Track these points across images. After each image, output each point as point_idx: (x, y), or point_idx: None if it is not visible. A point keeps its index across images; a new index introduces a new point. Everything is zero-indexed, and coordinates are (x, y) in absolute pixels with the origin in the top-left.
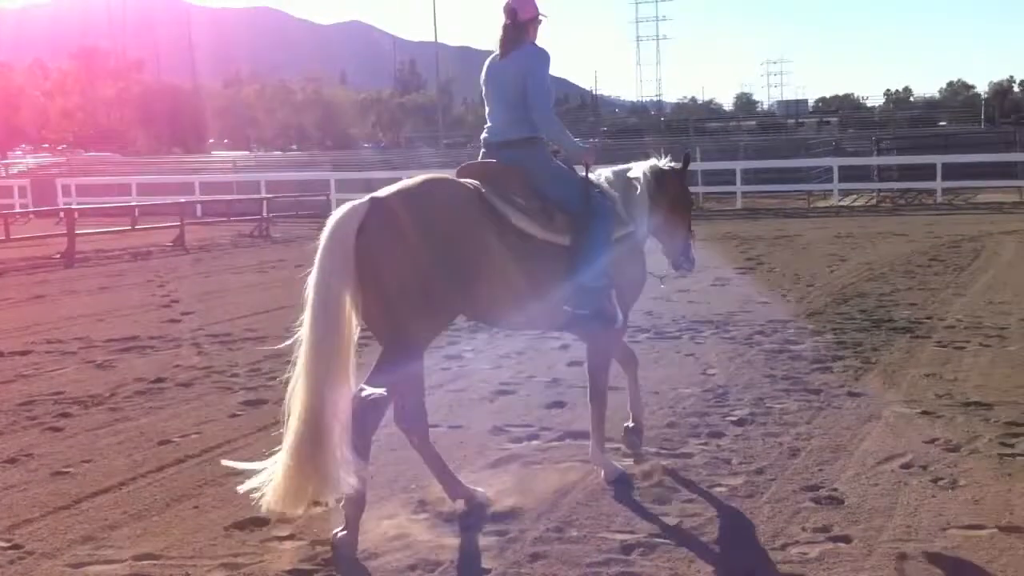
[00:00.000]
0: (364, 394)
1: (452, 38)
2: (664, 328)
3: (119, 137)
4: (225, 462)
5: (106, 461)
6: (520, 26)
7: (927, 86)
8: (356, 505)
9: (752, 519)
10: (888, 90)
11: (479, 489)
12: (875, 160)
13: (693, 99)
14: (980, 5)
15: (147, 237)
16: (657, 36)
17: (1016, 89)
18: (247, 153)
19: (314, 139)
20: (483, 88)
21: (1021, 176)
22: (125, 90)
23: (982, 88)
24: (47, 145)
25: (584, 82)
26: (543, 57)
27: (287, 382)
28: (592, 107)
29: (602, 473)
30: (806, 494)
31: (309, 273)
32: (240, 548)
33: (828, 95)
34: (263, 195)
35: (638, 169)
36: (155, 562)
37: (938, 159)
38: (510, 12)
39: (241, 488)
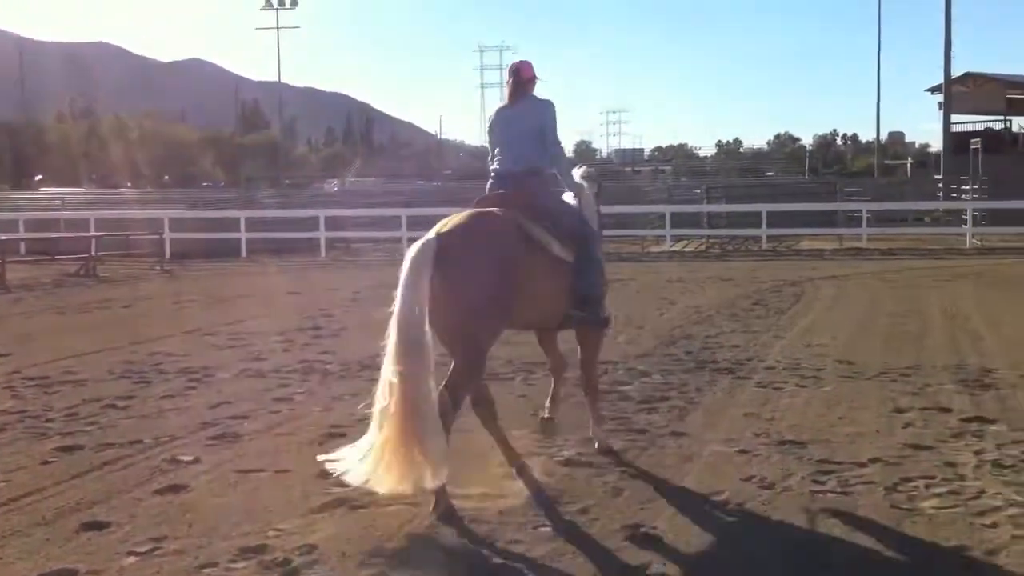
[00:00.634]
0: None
1: (296, 78)
2: (498, 369)
3: None
4: (321, 457)
5: None
6: (522, 83)
7: (756, 138)
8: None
9: (574, 559)
10: (720, 141)
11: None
12: (705, 208)
13: None
14: (807, 63)
15: None
16: (501, 83)
17: (839, 142)
18: (79, 190)
19: (150, 177)
20: (492, 128)
21: (841, 224)
22: None
23: (807, 140)
24: None
25: (430, 126)
26: (553, 107)
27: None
28: (437, 150)
29: (596, 444)
30: (628, 532)
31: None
32: None
33: (664, 144)
34: (92, 233)
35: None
36: None
37: (764, 207)
38: (514, 72)
39: (335, 470)
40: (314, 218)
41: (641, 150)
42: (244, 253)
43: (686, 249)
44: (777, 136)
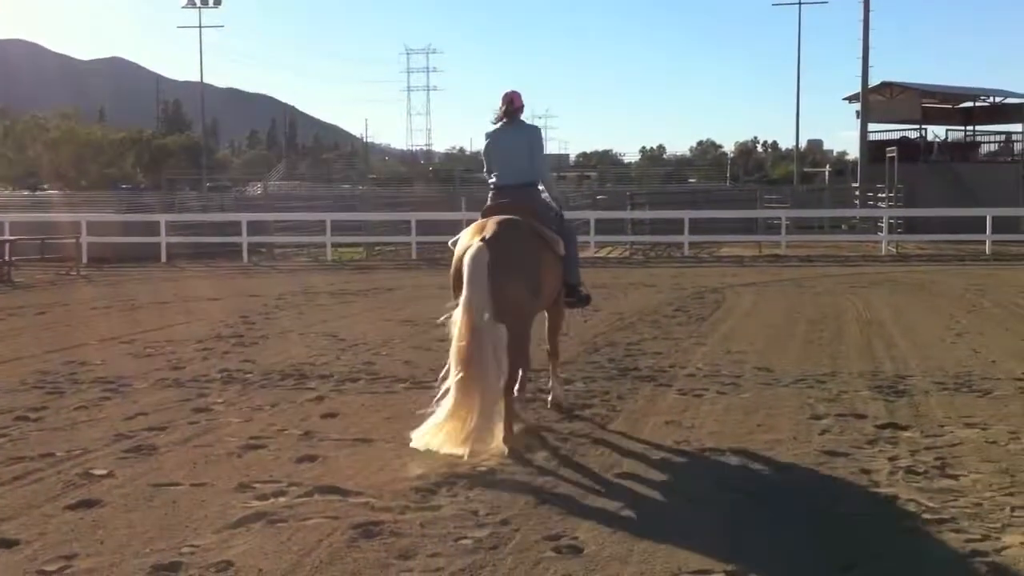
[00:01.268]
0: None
1: (220, 79)
2: (423, 378)
3: None
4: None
5: None
6: (514, 111)
7: (679, 144)
8: None
9: (495, 571)
10: (644, 147)
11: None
12: (629, 214)
13: (462, 149)
14: (730, 70)
15: None
16: (428, 87)
17: (759, 149)
18: None
19: (67, 178)
20: (490, 148)
21: (761, 231)
22: None
23: (729, 148)
24: None
25: (355, 129)
26: (539, 131)
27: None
28: (362, 154)
29: (551, 397)
30: (548, 544)
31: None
32: None
33: (589, 150)
34: (6, 237)
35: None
36: None
37: (686, 214)
38: (508, 101)
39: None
40: (236, 222)
41: (567, 155)
42: (164, 258)
43: (610, 255)
44: (700, 143)
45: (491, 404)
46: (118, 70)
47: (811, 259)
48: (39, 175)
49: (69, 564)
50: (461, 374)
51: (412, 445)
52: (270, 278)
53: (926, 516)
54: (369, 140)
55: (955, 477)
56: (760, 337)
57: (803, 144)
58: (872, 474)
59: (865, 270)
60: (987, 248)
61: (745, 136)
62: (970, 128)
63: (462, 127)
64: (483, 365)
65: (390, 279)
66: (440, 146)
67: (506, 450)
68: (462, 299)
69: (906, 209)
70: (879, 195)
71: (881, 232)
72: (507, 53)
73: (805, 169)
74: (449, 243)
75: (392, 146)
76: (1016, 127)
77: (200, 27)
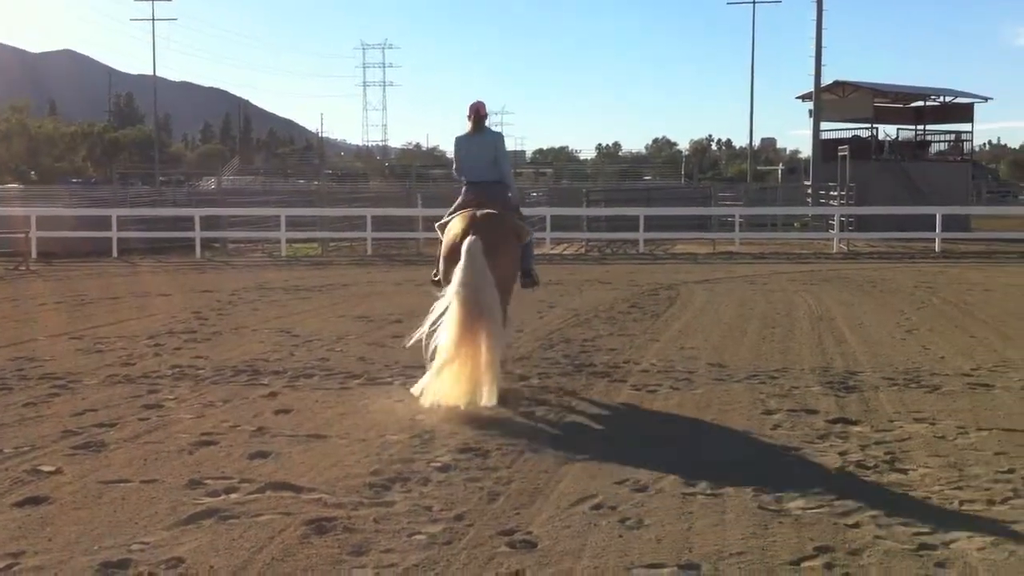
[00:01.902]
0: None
1: (173, 72)
2: (377, 374)
3: None
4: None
5: None
6: (481, 119)
7: (635, 142)
8: None
9: (448, 567)
10: (600, 144)
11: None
12: (584, 211)
13: (418, 145)
14: (685, 69)
15: None
16: (384, 82)
17: (714, 147)
18: None
19: (17, 172)
20: (459, 151)
21: (714, 229)
22: None
23: (684, 145)
24: None
25: (310, 124)
26: (502, 137)
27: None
28: (318, 149)
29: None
30: (502, 539)
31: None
32: None
33: (545, 147)
34: None
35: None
36: None
37: (641, 211)
38: (475, 111)
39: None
40: (189, 217)
41: (523, 152)
42: (116, 253)
43: (566, 252)
44: (655, 140)
45: (495, 355)
46: (70, 62)
47: (764, 256)
48: None
49: (16, 561)
50: (464, 334)
51: (420, 400)
52: (224, 274)
53: (875, 510)
54: (325, 135)
55: (904, 471)
56: (713, 333)
57: (757, 142)
58: (823, 468)
59: (817, 267)
60: (937, 246)
61: (700, 134)
62: (920, 127)
63: (418, 122)
64: (488, 324)
65: (345, 275)
66: (396, 141)
67: (495, 401)
68: (460, 278)
69: (857, 207)
70: (831, 193)
71: (832, 230)
72: (463, 49)
73: (759, 167)
74: (436, 225)
75: (348, 141)
76: (966, 126)
77: (153, 19)
